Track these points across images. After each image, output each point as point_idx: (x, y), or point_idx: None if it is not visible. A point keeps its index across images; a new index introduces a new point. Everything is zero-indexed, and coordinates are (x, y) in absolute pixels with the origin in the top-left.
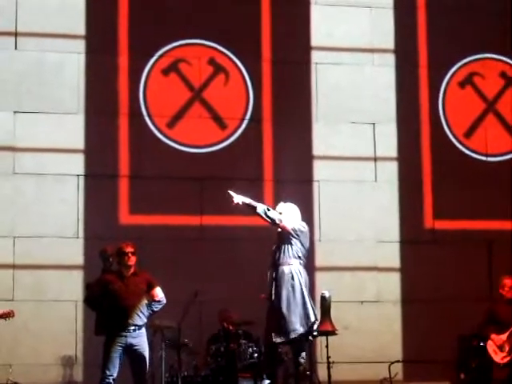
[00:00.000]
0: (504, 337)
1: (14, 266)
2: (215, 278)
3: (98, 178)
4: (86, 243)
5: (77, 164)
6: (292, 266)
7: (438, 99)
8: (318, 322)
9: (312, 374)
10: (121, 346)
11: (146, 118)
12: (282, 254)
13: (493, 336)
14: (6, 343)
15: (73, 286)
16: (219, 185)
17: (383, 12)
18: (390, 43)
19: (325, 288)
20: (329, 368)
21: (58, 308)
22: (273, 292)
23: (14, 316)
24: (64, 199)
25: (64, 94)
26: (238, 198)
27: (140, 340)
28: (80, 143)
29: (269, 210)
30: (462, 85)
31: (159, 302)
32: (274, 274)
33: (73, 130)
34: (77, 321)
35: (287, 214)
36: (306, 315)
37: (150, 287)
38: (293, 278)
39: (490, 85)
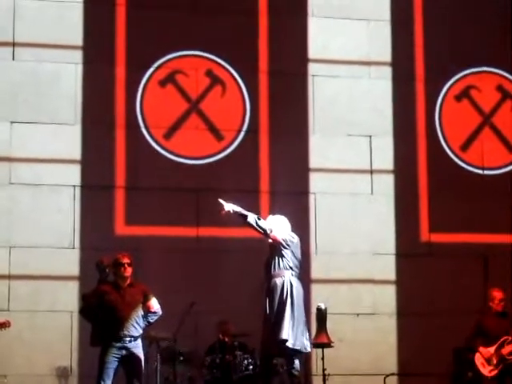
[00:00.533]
0: (492, 350)
1: (9, 277)
2: (211, 289)
3: (94, 188)
4: (81, 254)
5: (73, 175)
6: (284, 277)
7: (434, 112)
8: (291, 342)
9: None
10: (116, 357)
11: (143, 129)
12: (274, 266)
13: (481, 349)
14: (1, 353)
15: (68, 297)
16: (215, 196)
17: (380, 25)
18: (386, 56)
19: (321, 300)
20: (324, 380)
21: (54, 318)
22: (267, 305)
23: (10, 326)
24: (60, 210)
25: (61, 105)
26: (229, 206)
27: (135, 351)
28: (77, 154)
29: (259, 219)
30: (458, 98)
31: (155, 313)
32: (267, 286)
33: (69, 140)
34: (72, 331)
35: (277, 226)
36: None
37: (146, 298)
38: (282, 290)
39: (487, 98)
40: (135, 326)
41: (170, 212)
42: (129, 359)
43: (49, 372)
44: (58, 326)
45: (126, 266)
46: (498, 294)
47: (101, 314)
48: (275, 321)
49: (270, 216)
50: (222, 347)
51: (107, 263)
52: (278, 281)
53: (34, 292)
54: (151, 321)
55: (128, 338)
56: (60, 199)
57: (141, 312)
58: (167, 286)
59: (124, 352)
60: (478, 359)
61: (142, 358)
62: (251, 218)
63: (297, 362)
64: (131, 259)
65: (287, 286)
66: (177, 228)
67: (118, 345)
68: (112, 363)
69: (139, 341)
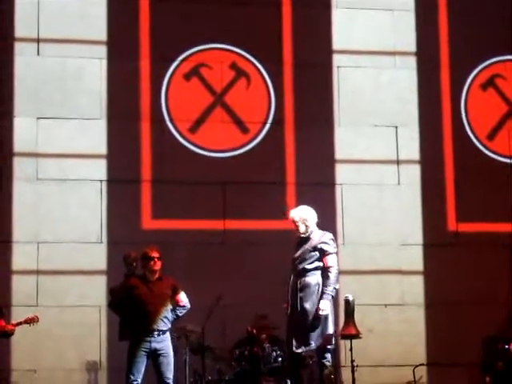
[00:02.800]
0: None
1: (37, 272)
2: (238, 283)
3: (120, 183)
4: (108, 248)
5: (99, 169)
6: (316, 276)
7: (460, 101)
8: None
9: (337, 378)
10: (145, 351)
11: (168, 123)
12: (306, 263)
13: None
14: (30, 349)
15: (96, 291)
16: (241, 189)
17: (404, 14)
18: (411, 45)
19: (348, 291)
20: (353, 371)
21: (82, 313)
22: (298, 302)
23: (38, 321)
24: (87, 204)
25: (86, 100)
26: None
27: (164, 345)
28: (102, 148)
29: (334, 288)
30: (484, 87)
31: (184, 306)
32: (298, 284)
33: (95, 135)
34: (101, 326)
35: (311, 222)
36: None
37: (175, 292)
38: (318, 291)
39: None
40: (164, 320)
41: (196, 205)
42: (158, 353)
43: (78, 366)
44: (86, 320)
45: (155, 259)
46: None
47: (129, 308)
48: (309, 323)
49: (299, 210)
50: (250, 339)
51: (134, 257)
52: (312, 279)
53: (62, 287)
54: (180, 314)
55: (157, 332)
56: (87, 194)
57: (169, 306)
58: (194, 280)
59: (153, 346)
60: None
61: (171, 351)
62: (332, 292)
63: (328, 354)
64: (160, 253)
65: (320, 286)
66: (203, 221)
67: (147, 339)
68: (141, 357)
69: (168, 334)
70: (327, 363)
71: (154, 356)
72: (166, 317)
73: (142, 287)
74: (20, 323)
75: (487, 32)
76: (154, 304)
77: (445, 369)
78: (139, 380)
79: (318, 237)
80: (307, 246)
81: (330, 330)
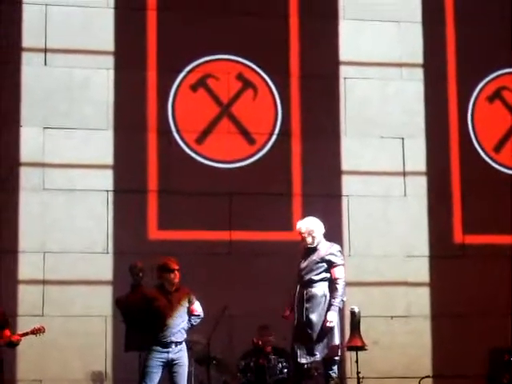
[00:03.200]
0: None
1: (43, 282)
2: (244, 294)
3: (126, 193)
4: (115, 258)
5: (106, 179)
6: (323, 287)
7: (466, 113)
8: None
9: None
10: (161, 362)
11: (175, 134)
12: (313, 274)
13: None
14: (36, 358)
15: (102, 302)
16: (248, 200)
17: (411, 26)
18: (418, 57)
19: (354, 303)
20: (358, 383)
21: (88, 323)
22: (304, 313)
23: (44, 331)
24: (93, 215)
25: (93, 110)
26: (333, 318)
27: (180, 355)
28: (109, 159)
29: (341, 300)
30: (490, 99)
31: (198, 316)
32: (305, 294)
33: (102, 145)
34: (106, 336)
35: (318, 233)
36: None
37: (190, 302)
38: (324, 302)
39: None
40: (181, 331)
41: (202, 216)
42: (174, 363)
43: (83, 377)
44: (91, 330)
45: (175, 272)
46: None
47: (148, 320)
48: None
49: (306, 222)
50: (256, 351)
51: (141, 267)
52: (319, 291)
53: (67, 297)
54: (194, 323)
55: (174, 344)
56: (93, 204)
57: (186, 316)
58: (200, 291)
59: (170, 357)
60: None
61: (187, 361)
62: (339, 304)
63: (335, 365)
64: (179, 264)
65: (327, 297)
66: (209, 232)
67: (164, 350)
68: (156, 368)
69: (184, 345)
70: (333, 375)
71: (170, 367)
72: (183, 328)
73: (162, 299)
74: (26, 333)
75: (494, 44)
76: (173, 317)
77: (450, 381)
78: None
79: (326, 248)
80: (314, 257)
81: (336, 341)
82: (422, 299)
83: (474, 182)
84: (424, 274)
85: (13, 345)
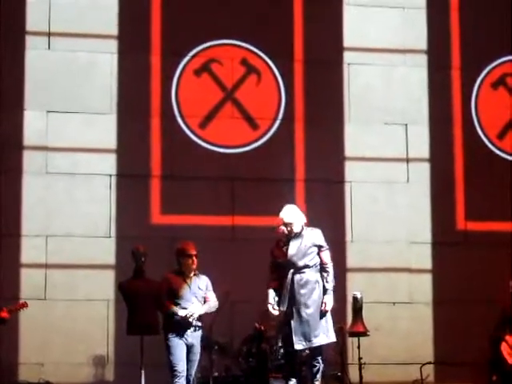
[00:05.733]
0: None
1: (46, 265)
2: (246, 279)
3: (129, 177)
4: (117, 243)
5: (109, 164)
6: (314, 272)
7: (470, 100)
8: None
9: (343, 376)
10: (184, 343)
11: (178, 118)
12: (306, 259)
13: (507, 337)
14: (38, 342)
15: (104, 286)
16: (251, 185)
17: (416, 12)
18: (422, 44)
19: (356, 289)
20: (360, 369)
21: (90, 307)
22: (300, 299)
23: (27, 306)
24: (96, 199)
25: (96, 94)
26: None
27: (197, 341)
28: (112, 143)
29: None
30: (494, 86)
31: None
32: (300, 280)
33: (105, 129)
34: (108, 320)
35: (303, 219)
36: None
37: (207, 289)
38: (318, 287)
39: None
40: (200, 316)
41: (205, 201)
42: (190, 349)
43: (85, 360)
44: (94, 314)
45: (194, 258)
46: None
47: (167, 303)
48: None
49: (292, 208)
50: (258, 336)
51: (143, 251)
52: (312, 276)
53: (70, 281)
54: (208, 312)
55: (193, 328)
56: (96, 188)
57: (202, 303)
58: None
59: (189, 340)
60: (505, 349)
61: (200, 349)
62: (332, 288)
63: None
64: (197, 249)
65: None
66: (212, 217)
67: (186, 333)
68: (182, 349)
69: (201, 331)
70: (316, 364)
71: (188, 350)
72: (199, 313)
73: (181, 284)
74: (12, 310)
75: (498, 31)
76: (191, 300)
77: (452, 367)
78: (184, 368)
79: (312, 233)
80: (305, 242)
81: (331, 324)
82: (424, 285)
83: (476, 169)
84: (427, 261)
85: (2, 321)
